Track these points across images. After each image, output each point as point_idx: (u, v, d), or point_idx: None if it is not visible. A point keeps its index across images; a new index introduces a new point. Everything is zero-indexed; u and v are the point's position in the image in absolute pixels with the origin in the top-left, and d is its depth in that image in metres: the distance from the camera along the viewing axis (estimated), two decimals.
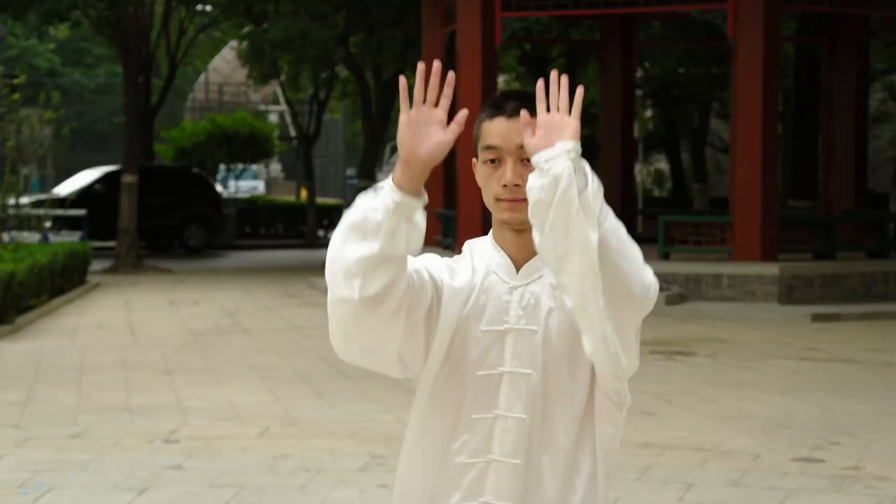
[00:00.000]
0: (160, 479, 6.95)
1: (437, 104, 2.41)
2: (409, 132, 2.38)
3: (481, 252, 2.61)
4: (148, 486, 6.78)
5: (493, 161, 2.54)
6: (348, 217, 2.39)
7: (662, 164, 36.23)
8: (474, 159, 2.62)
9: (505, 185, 2.51)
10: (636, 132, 24.33)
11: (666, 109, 30.03)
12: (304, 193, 33.20)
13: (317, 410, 8.99)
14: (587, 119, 30.92)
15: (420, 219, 2.38)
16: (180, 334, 13.37)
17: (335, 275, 2.40)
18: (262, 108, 47.19)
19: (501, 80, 30.69)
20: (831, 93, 19.81)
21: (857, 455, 7.49)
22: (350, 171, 48.55)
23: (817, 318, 14.53)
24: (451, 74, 2.39)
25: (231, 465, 7.27)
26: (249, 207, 31.81)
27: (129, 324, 14.37)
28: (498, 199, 2.53)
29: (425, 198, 2.40)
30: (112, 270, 21.44)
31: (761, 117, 15.84)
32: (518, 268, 2.56)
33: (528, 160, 2.45)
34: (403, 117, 2.39)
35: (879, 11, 19.04)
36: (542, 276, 2.55)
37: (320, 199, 34.42)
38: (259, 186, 47.14)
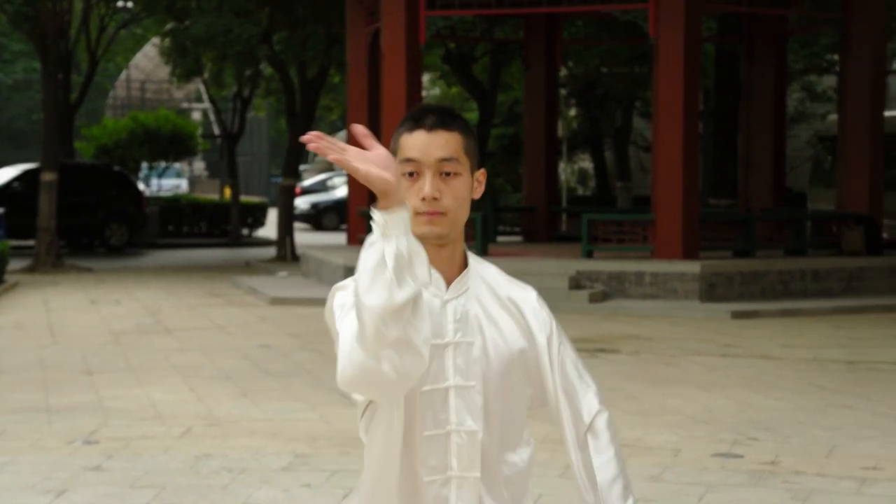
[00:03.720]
0: (79, 480, 6.85)
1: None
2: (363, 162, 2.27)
3: None
4: (66, 488, 6.68)
5: (411, 174, 2.52)
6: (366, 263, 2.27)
7: (586, 163, 36.51)
8: None
9: (424, 199, 2.49)
10: (560, 131, 24.49)
11: (589, 108, 30.24)
12: (227, 192, 32.95)
13: (240, 409, 8.93)
14: (511, 118, 31.09)
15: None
16: (101, 334, 13.20)
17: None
18: (185, 105, 46.77)
19: (426, 78, 30.74)
20: (750, 92, 20.10)
21: (774, 450, 7.61)
22: (274, 170, 48.27)
23: (737, 314, 14.73)
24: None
25: (152, 465, 7.19)
26: (172, 206, 31.48)
27: (48, 323, 14.15)
28: (417, 213, 2.50)
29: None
30: (31, 270, 21.11)
31: (683, 116, 16.03)
32: (447, 281, 2.57)
33: (447, 174, 2.48)
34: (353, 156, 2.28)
35: (797, 12, 19.35)
36: (468, 290, 2.58)
37: (244, 198, 34.16)
38: (182, 185, 46.73)
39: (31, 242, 23.20)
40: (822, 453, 7.53)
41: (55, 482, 6.80)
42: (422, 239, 2.43)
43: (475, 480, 2.54)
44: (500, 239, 21.32)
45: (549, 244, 20.02)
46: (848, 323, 14.31)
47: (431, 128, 2.51)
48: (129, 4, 29.71)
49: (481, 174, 2.60)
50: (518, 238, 22.12)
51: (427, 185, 2.49)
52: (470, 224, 17.52)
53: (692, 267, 15.55)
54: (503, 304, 2.61)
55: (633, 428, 8.23)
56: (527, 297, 2.66)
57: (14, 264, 20.62)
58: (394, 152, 2.54)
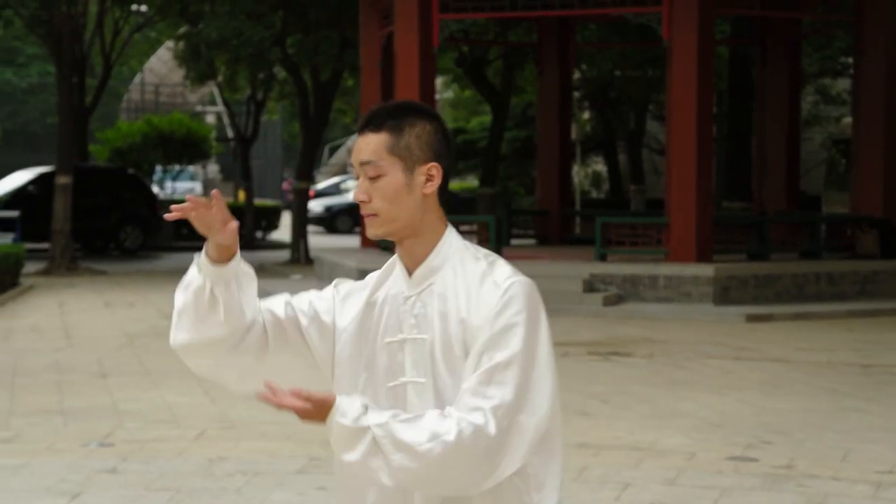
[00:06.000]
0: (94, 482, 6.88)
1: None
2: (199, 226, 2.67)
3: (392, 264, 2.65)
4: (82, 491, 6.71)
5: (357, 177, 2.59)
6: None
7: (600, 166, 36.47)
8: None
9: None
10: (573, 134, 24.48)
11: (602, 111, 30.23)
12: (241, 195, 32.99)
13: (254, 412, 8.93)
14: (525, 121, 31.08)
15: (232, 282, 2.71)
16: (116, 337, 13.24)
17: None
18: (199, 108, 46.87)
19: (439, 81, 30.75)
20: (764, 95, 20.07)
21: (788, 453, 7.60)
22: (288, 173, 48.34)
23: (751, 318, 14.70)
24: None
25: (167, 467, 7.21)
26: None
27: (63, 326, 14.20)
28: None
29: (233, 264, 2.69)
30: (46, 272, 21.18)
31: (696, 119, 16.01)
32: (410, 276, 2.58)
33: (373, 178, 2.52)
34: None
35: (809, 15, 19.32)
36: (432, 284, 2.55)
37: (258, 201, 34.22)
38: (196, 187, 46.77)
39: (46, 245, 23.27)
40: (836, 457, 7.51)
41: (70, 484, 6.82)
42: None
43: None
44: (514, 242, 21.32)
45: (563, 247, 20.00)
46: (862, 326, 14.28)
47: (361, 131, 2.56)
48: (144, 8, 29.80)
49: (431, 168, 2.53)
50: (532, 241, 22.11)
51: (357, 188, 2.57)
52: (483, 227, 17.50)
53: (706, 270, 15.53)
54: (462, 302, 2.52)
55: (647, 431, 8.23)
56: (490, 297, 2.49)
57: (29, 267, 20.69)
58: None
